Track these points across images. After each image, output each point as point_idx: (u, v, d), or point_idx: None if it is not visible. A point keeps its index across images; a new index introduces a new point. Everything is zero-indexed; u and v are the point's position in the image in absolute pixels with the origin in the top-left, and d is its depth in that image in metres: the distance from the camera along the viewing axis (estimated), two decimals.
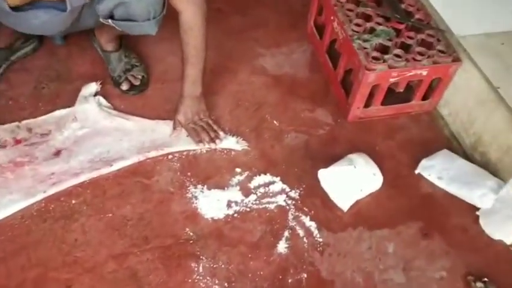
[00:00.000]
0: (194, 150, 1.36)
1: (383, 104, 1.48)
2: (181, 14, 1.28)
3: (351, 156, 1.33)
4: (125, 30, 1.30)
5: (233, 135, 1.41)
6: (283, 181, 1.33)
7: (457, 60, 1.40)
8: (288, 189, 1.31)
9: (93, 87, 1.45)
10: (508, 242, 1.26)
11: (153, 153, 1.33)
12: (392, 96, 1.48)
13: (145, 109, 1.44)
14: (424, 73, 1.40)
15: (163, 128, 1.39)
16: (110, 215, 1.23)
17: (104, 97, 1.45)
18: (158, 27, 1.30)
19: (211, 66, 1.54)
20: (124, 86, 1.46)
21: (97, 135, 1.36)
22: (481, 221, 1.29)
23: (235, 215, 1.25)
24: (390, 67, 1.36)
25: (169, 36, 1.39)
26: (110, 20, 1.26)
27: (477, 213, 1.30)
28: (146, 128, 1.39)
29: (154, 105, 1.46)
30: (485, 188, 1.30)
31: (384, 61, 1.36)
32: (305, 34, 1.74)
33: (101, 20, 1.26)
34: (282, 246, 1.21)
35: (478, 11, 1.51)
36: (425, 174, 1.37)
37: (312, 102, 1.54)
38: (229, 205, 1.26)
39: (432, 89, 1.49)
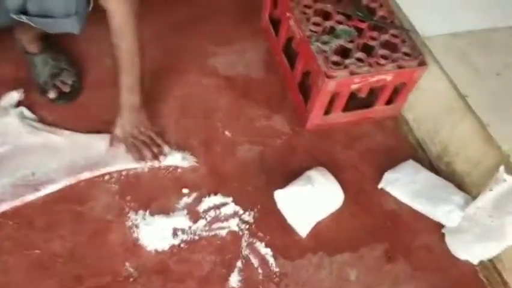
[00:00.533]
0: (135, 169, 1.21)
1: (344, 110, 1.36)
2: (110, 13, 1.11)
3: (309, 173, 1.21)
4: (42, 28, 1.11)
5: (179, 150, 1.26)
6: (236, 202, 1.20)
7: (422, 63, 1.29)
8: (241, 212, 1.19)
9: (14, 96, 1.25)
10: (475, 263, 1.19)
11: (87, 174, 1.17)
12: (353, 100, 1.37)
13: (78, 121, 1.27)
14: (388, 78, 1.28)
15: (99, 143, 1.22)
16: (37, 251, 1.06)
17: (29, 107, 1.26)
18: (83, 25, 1.12)
19: (154, 68, 1.38)
20: (52, 94, 1.28)
21: (19, 153, 1.17)
22: (447, 240, 1.21)
23: (182, 244, 1.12)
24: (352, 73, 1.24)
25: (106, 32, 1.20)
26: (23, 16, 1.06)
27: (443, 231, 1.23)
28: (78, 144, 1.22)
29: (89, 115, 1.29)
30: (451, 204, 1.21)
31: (346, 66, 1.23)
32: (260, 28, 1.58)
33: (12, 15, 1.07)
34: (234, 280, 1.09)
35: (443, 9, 1.39)
36: (389, 189, 1.27)
37: (268, 107, 1.40)
38: (175, 233, 1.13)
39: (397, 92, 1.38)
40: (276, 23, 1.51)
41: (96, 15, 1.14)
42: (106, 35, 1.18)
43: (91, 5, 1.12)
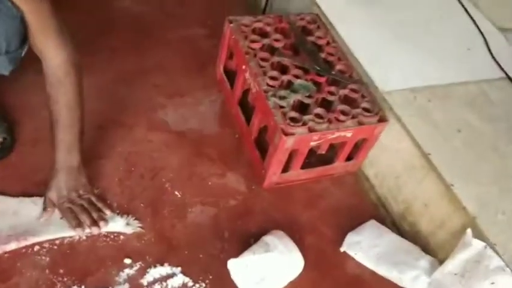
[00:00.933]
0: (70, 237, 1.07)
1: (303, 166, 1.28)
2: (45, 62, 1.01)
3: (267, 239, 1.10)
4: None
5: (123, 214, 1.13)
6: (185, 273, 1.07)
7: (383, 119, 1.24)
8: (190, 284, 1.06)
9: None
10: None
11: (13, 245, 1.02)
12: (312, 156, 1.30)
13: (6, 182, 1.12)
14: (348, 135, 1.22)
15: (30, 208, 1.08)
16: None
17: None
18: (14, 67, 1.01)
19: (96, 121, 1.27)
20: None
21: None
22: None
23: None
24: (310, 130, 1.17)
25: (43, 82, 1.09)
26: None
27: None
28: (5, 209, 1.07)
29: (19, 176, 1.15)
30: (417, 269, 1.13)
31: (304, 123, 1.16)
32: (215, 80, 1.51)
33: None
34: None
35: (402, 63, 1.37)
36: (351, 253, 1.19)
37: (223, 165, 1.30)
38: None
39: (357, 147, 1.32)
40: (231, 75, 1.44)
41: (32, 64, 1.03)
42: (42, 84, 1.07)
43: (25, 47, 1.01)
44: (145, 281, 1.04)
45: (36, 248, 1.04)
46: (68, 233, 1.06)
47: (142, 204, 1.17)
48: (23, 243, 1.03)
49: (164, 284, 1.05)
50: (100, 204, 1.11)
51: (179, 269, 1.07)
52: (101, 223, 1.08)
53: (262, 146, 1.30)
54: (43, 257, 1.03)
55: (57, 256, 1.04)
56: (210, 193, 1.24)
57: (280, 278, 1.08)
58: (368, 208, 1.32)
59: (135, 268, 1.06)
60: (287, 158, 1.22)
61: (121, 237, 1.10)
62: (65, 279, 1.01)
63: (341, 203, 1.31)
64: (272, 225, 1.19)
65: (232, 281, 1.07)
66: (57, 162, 1.07)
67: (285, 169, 1.26)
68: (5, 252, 1.01)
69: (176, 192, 1.21)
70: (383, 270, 1.16)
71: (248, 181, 1.29)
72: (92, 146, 1.22)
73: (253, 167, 1.31)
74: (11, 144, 1.19)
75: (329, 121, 1.19)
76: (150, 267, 1.06)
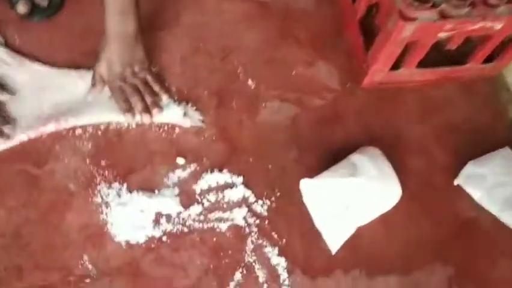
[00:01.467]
0: (117, 123, 0.89)
1: (420, 64, 0.95)
2: None
3: (354, 158, 0.84)
4: None
5: (181, 102, 0.92)
6: (247, 185, 0.87)
7: None
8: (252, 199, 0.86)
9: None
10: None
11: (52, 126, 0.86)
12: (435, 50, 0.95)
13: (51, 49, 0.94)
14: (498, 27, 0.85)
15: (75, 83, 0.90)
16: None
17: None
18: None
19: None
20: (22, 8, 0.94)
21: None
22: None
23: (165, 238, 0.81)
24: (442, 15, 0.81)
25: None
26: None
27: None
28: (48, 82, 0.90)
29: (67, 41, 0.95)
30: None
31: (434, 5, 0.81)
32: None
33: None
34: None
35: None
36: (469, 189, 0.90)
37: (312, 50, 1.01)
38: (157, 221, 0.82)
39: (503, 44, 0.94)
40: None
41: None
42: None
43: None
44: (198, 188, 0.86)
45: (78, 131, 0.87)
46: (115, 117, 0.88)
47: (205, 92, 0.94)
48: (63, 125, 0.87)
49: (220, 194, 0.85)
50: (156, 87, 0.90)
51: (240, 178, 0.87)
52: (155, 110, 0.88)
53: (369, 30, 0.97)
54: (85, 143, 0.87)
55: (101, 144, 0.87)
56: (292, 86, 0.97)
57: (366, 212, 0.83)
58: (503, 130, 0.98)
59: (188, 170, 0.87)
60: (401, 50, 0.90)
61: (176, 130, 0.90)
62: (106, 172, 0.85)
63: (466, 118, 0.99)
64: (366, 139, 0.92)
65: (303, 205, 0.85)
66: (109, 27, 0.85)
67: (396, 65, 0.94)
68: (43, 134, 0.86)
69: (250, 81, 0.96)
70: (509, 218, 0.87)
71: (343, 75, 0.99)
72: (150, 14, 0.98)
73: (353, 57, 1.00)
74: (61, 1, 0.98)
75: (472, 4, 0.82)
76: (206, 171, 0.87)
